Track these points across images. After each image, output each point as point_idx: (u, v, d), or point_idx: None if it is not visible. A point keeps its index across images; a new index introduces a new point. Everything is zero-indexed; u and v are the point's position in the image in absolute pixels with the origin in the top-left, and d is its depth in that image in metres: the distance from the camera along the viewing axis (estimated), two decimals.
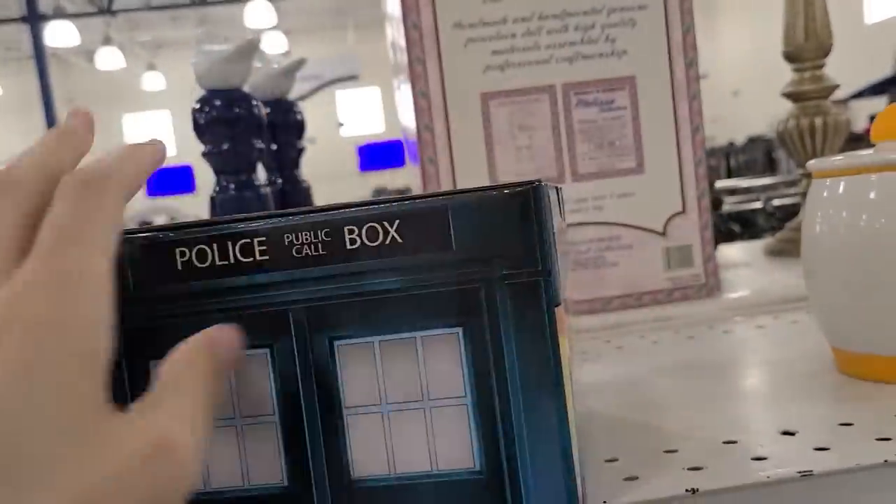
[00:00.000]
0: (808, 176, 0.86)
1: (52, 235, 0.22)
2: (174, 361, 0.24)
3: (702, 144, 0.67)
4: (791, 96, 0.85)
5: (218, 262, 0.28)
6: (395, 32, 0.69)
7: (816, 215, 0.41)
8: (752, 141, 5.40)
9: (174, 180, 7.77)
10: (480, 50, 0.64)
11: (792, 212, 2.74)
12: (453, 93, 0.64)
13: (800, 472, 0.29)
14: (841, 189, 0.40)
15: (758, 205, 2.75)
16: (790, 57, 0.83)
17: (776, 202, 2.73)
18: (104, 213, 0.23)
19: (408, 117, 0.68)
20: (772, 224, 2.53)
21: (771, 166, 5.00)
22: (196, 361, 0.24)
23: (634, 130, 0.66)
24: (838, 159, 0.41)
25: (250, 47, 0.70)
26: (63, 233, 0.22)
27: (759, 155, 5.13)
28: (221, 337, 0.25)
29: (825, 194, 0.41)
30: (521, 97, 0.65)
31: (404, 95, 0.69)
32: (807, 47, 0.82)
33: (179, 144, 7.43)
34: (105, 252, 0.22)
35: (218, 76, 0.69)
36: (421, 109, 0.64)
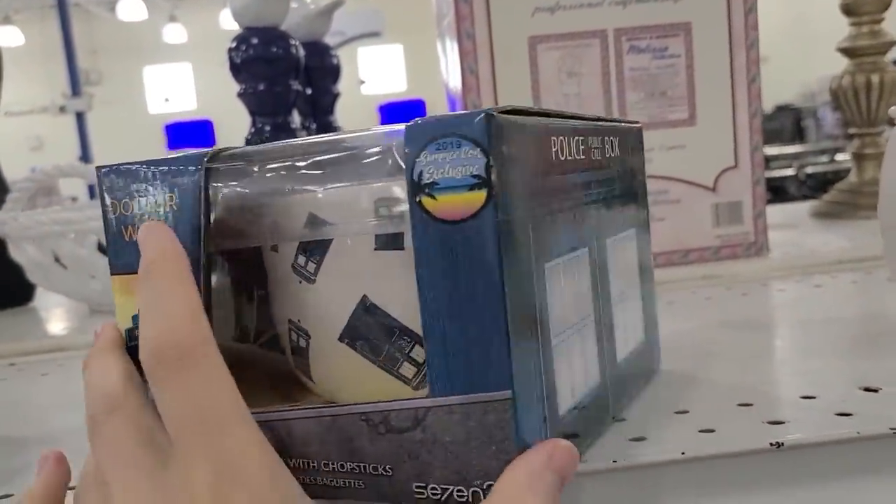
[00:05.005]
0: (852, 136, 0.83)
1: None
2: (511, 481, 0.22)
3: (758, 95, 0.64)
4: (847, 52, 0.81)
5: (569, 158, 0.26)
6: None
7: None
8: (780, 109, 5.29)
9: (194, 134, 7.74)
10: None
11: (824, 180, 2.69)
12: (500, 35, 0.62)
13: (892, 429, 0.27)
14: None
15: (790, 172, 2.69)
16: (848, 10, 0.80)
17: (809, 170, 2.66)
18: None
19: (452, 69, 0.66)
20: (804, 192, 2.48)
21: (799, 135, 4.91)
22: (537, 486, 0.21)
23: (688, 79, 0.63)
24: None
25: None
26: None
27: (787, 124, 5.03)
28: (563, 457, 0.22)
29: None
30: (570, 42, 0.62)
31: (448, 45, 0.67)
32: (867, 0, 0.78)
33: (200, 98, 7.40)
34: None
35: (255, 13, 0.67)
36: (466, 51, 0.61)
